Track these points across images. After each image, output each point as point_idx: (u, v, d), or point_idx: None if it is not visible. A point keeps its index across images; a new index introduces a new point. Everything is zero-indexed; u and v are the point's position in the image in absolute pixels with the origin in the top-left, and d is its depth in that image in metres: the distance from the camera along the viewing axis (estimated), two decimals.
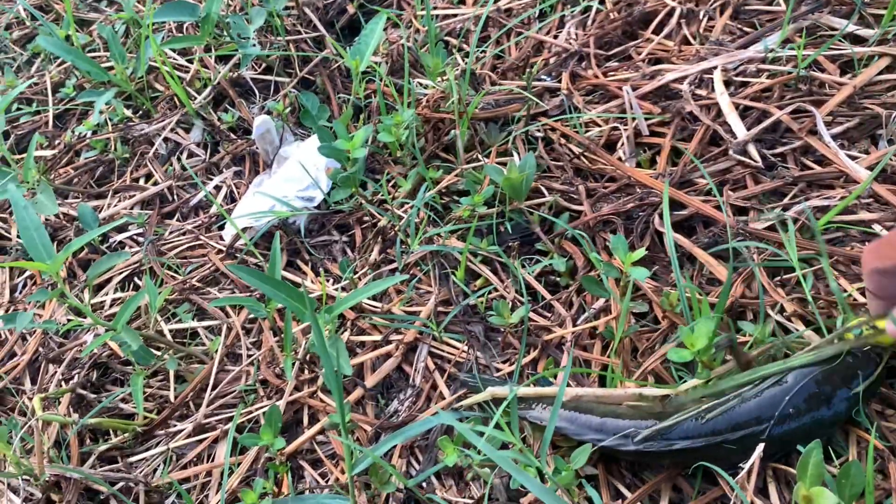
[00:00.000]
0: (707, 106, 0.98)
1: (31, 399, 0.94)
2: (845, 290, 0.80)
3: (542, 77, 1.12)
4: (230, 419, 0.89)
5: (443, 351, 0.90)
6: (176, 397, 0.92)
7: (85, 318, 0.99)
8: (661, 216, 0.90)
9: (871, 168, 0.87)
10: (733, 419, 0.71)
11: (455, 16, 1.25)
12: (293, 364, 0.90)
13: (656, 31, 1.12)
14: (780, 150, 0.92)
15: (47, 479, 0.82)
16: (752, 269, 0.83)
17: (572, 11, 1.19)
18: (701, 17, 1.10)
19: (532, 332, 0.89)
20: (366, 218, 1.05)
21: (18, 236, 1.16)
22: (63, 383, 0.95)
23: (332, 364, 0.75)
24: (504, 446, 0.75)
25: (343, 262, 1.00)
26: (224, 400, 0.92)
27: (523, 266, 0.94)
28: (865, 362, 0.72)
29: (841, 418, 0.72)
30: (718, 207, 0.88)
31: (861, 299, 0.79)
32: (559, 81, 1.09)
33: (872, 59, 0.96)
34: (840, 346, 0.72)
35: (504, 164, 0.99)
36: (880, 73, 0.95)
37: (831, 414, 0.71)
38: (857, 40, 1.01)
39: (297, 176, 1.08)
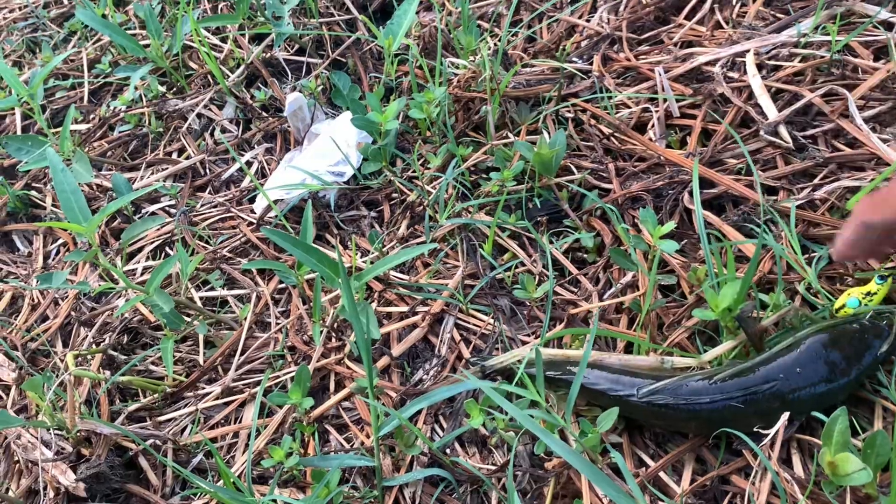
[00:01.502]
0: (738, 88, 0.98)
1: (62, 360, 0.96)
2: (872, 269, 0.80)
3: (574, 59, 1.12)
4: (258, 383, 0.90)
5: (469, 323, 0.91)
6: (205, 361, 0.94)
7: (117, 282, 1.01)
8: (690, 194, 0.90)
9: None
10: (741, 382, 0.71)
11: (486, 0, 1.26)
12: (321, 331, 0.91)
13: (689, 17, 1.12)
14: (810, 132, 0.92)
15: (79, 432, 0.84)
16: (777, 248, 0.83)
17: None
18: (734, 2, 1.10)
19: (558, 306, 0.89)
20: (394, 194, 1.06)
21: (53, 204, 1.18)
22: (95, 345, 0.97)
23: (363, 328, 0.76)
24: (531, 407, 0.75)
25: (372, 234, 1.01)
26: (252, 365, 0.93)
27: (551, 241, 0.94)
28: (876, 330, 0.73)
29: (852, 385, 0.72)
30: (749, 186, 0.88)
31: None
32: (591, 64, 1.10)
33: None
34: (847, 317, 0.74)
35: (534, 143, 1.00)
36: None
37: (841, 379, 0.71)
38: (890, 27, 1.01)
39: (328, 151, 1.09)
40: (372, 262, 0.98)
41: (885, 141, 0.88)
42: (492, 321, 0.90)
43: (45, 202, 1.20)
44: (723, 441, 0.74)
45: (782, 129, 0.92)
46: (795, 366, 0.71)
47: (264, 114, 1.23)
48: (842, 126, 0.91)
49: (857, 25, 1.01)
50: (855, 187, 0.86)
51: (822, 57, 0.97)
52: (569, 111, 1.06)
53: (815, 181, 0.89)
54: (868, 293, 0.75)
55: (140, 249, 1.09)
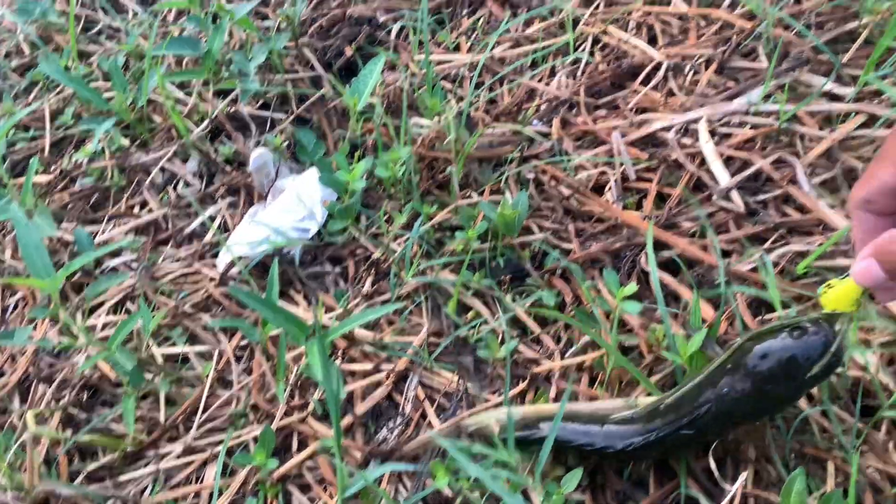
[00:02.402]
0: (692, 154, 1.02)
1: (20, 417, 0.94)
2: None
3: (534, 122, 1.16)
4: (220, 443, 0.90)
5: (433, 381, 0.92)
6: (166, 419, 0.93)
7: (77, 339, 1.00)
8: (647, 255, 0.93)
9: (847, 216, 0.91)
10: (683, 403, 0.73)
11: (450, 62, 1.29)
12: (285, 389, 0.91)
13: (644, 83, 1.17)
14: (761, 197, 0.97)
15: (37, 494, 0.82)
16: (734, 307, 0.86)
17: (563, 62, 1.24)
18: (686, 71, 1.15)
19: (521, 365, 0.91)
20: (359, 251, 1.07)
21: (12, 257, 1.17)
22: (54, 402, 0.96)
23: (332, 385, 0.77)
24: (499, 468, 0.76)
25: (337, 292, 1.02)
26: (214, 423, 0.93)
27: (514, 300, 0.96)
28: (817, 338, 0.68)
29: (788, 399, 0.73)
30: (703, 248, 0.92)
31: None
32: (550, 126, 1.14)
33: (850, 116, 1.02)
34: (790, 320, 0.70)
35: (497, 202, 1.02)
36: (857, 128, 1.00)
37: (776, 391, 0.70)
38: (835, 98, 1.06)
39: (292, 207, 1.10)
40: (337, 319, 0.99)
41: (831, 207, 0.93)
42: (455, 379, 0.91)
43: (3, 256, 1.18)
44: (682, 497, 0.76)
45: (734, 195, 0.96)
46: (727, 381, 0.71)
47: (228, 168, 1.24)
48: (790, 192, 0.95)
49: (804, 95, 1.06)
50: (804, 252, 0.90)
51: (772, 126, 1.02)
52: (530, 172, 1.09)
53: (767, 245, 0.93)
54: (828, 285, 0.69)
55: (100, 305, 1.08)
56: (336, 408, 0.76)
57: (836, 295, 0.68)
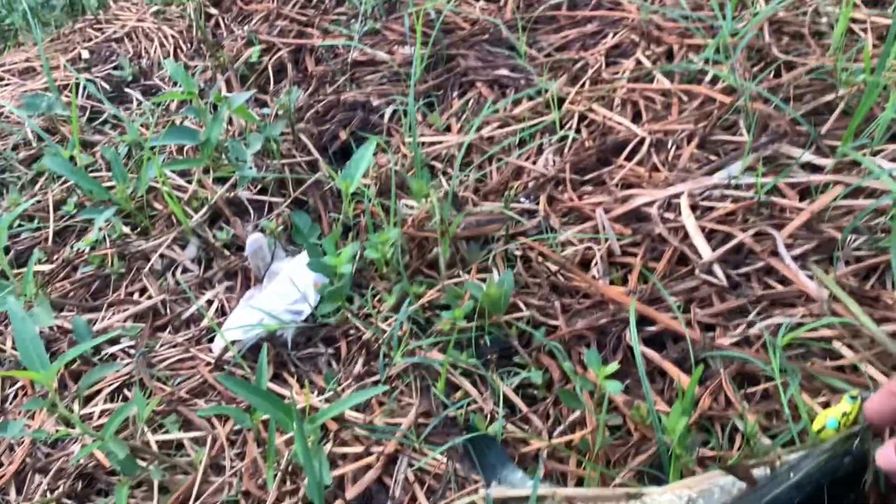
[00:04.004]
0: (675, 228, 1.04)
1: None
2: (807, 404, 0.84)
3: (521, 199, 1.18)
4: None
5: (424, 463, 0.92)
6: None
7: (73, 427, 1.01)
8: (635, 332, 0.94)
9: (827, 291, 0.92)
10: None
11: (440, 142, 1.33)
12: (275, 475, 0.91)
13: (628, 159, 1.19)
14: (743, 270, 0.98)
15: None
16: (718, 381, 0.86)
17: (550, 140, 1.27)
18: (669, 146, 1.17)
19: (509, 444, 0.91)
20: (351, 331, 1.09)
21: (13, 347, 1.19)
22: (48, 493, 0.96)
23: (315, 474, 0.78)
24: None
25: (328, 374, 1.03)
26: None
27: (502, 379, 0.97)
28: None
29: None
30: (687, 324, 0.93)
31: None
32: (537, 204, 1.16)
33: (828, 186, 1.03)
34: (834, 446, 0.74)
35: (484, 281, 1.04)
36: (835, 199, 1.01)
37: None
38: (814, 168, 1.08)
39: (286, 291, 1.12)
40: (328, 401, 1.00)
41: (811, 278, 0.94)
42: (445, 461, 0.91)
43: (4, 345, 1.20)
44: None
45: (716, 268, 0.97)
46: None
47: (226, 252, 1.27)
48: (772, 265, 0.96)
49: (784, 167, 1.08)
50: (787, 324, 0.91)
51: (752, 199, 1.03)
52: (518, 249, 1.11)
53: (750, 318, 0.93)
54: (844, 413, 0.75)
55: (98, 392, 1.10)
56: (319, 497, 0.77)
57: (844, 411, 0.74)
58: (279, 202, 1.33)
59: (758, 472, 0.73)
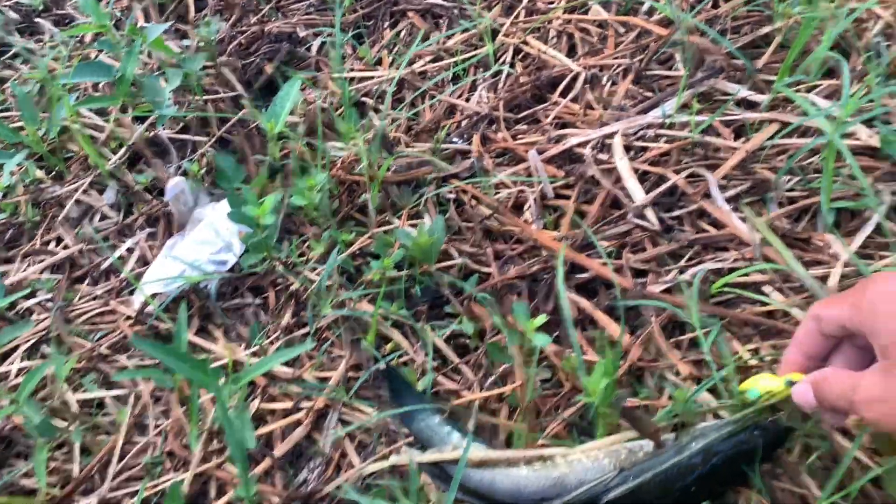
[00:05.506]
0: (608, 170, 1.01)
1: None
2: (736, 352, 0.83)
3: (454, 140, 1.14)
4: (136, 493, 0.88)
5: (353, 417, 0.90)
6: (80, 471, 0.91)
7: None
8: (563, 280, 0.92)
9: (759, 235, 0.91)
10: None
11: (371, 78, 1.27)
12: (200, 435, 0.89)
13: (563, 95, 1.15)
14: (677, 213, 0.96)
15: None
16: (649, 330, 0.86)
17: (484, 76, 1.22)
18: (604, 81, 1.14)
19: (441, 396, 0.90)
20: (279, 280, 1.05)
21: None
22: None
23: (237, 437, 0.75)
24: None
25: (254, 328, 1.00)
26: (130, 472, 0.90)
27: (434, 330, 0.95)
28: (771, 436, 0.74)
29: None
30: (618, 270, 0.91)
31: (752, 361, 0.82)
32: (470, 144, 1.12)
33: (763, 125, 1.01)
34: (745, 419, 0.74)
35: (416, 227, 1.01)
36: (770, 137, 0.99)
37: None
38: (750, 105, 1.06)
39: (209, 239, 1.08)
40: (256, 355, 0.97)
41: (744, 221, 0.92)
42: (376, 414, 0.89)
43: None
44: None
45: (649, 212, 0.95)
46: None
47: (148, 196, 1.21)
48: (705, 207, 0.95)
49: (719, 104, 1.06)
50: (719, 269, 0.90)
51: (686, 138, 1.01)
52: (450, 193, 1.07)
53: (681, 263, 0.92)
54: (770, 391, 0.74)
55: (15, 349, 1.05)
56: (243, 460, 0.75)
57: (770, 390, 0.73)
58: (203, 141, 1.27)
59: (667, 437, 0.73)
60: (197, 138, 1.28)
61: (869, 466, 0.75)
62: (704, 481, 0.72)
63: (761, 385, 0.73)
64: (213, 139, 1.26)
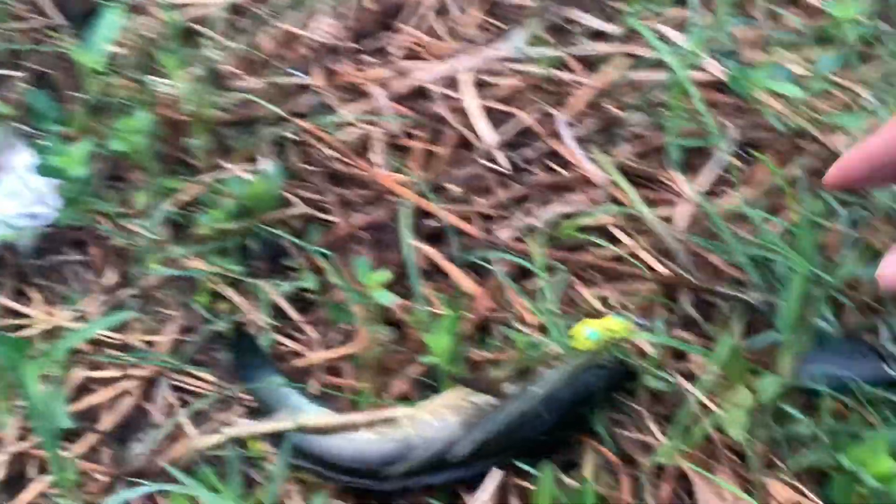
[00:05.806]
0: (458, 108, 0.96)
1: None
2: (583, 298, 0.82)
3: (296, 73, 1.06)
4: None
5: (187, 384, 0.84)
6: None
7: None
8: (413, 227, 0.88)
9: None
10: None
11: (202, 2, 1.16)
12: (9, 411, 0.81)
13: (412, 23, 1.08)
14: (528, 154, 0.92)
15: None
16: (498, 281, 0.82)
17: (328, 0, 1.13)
18: (455, 9, 1.07)
19: (283, 358, 0.84)
20: (103, 234, 0.96)
21: None
22: None
23: (45, 414, 0.69)
24: None
25: (75, 292, 0.91)
26: None
27: (276, 286, 0.88)
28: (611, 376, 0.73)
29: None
30: (464, 217, 0.87)
31: (601, 308, 0.81)
32: (312, 77, 1.04)
33: (614, 58, 0.98)
34: (585, 360, 0.73)
35: (252, 173, 0.93)
36: (622, 74, 0.96)
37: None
38: (602, 37, 1.02)
39: (21, 190, 0.97)
40: (78, 319, 0.89)
41: (593, 161, 0.90)
42: (212, 379, 0.84)
43: None
44: None
45: (498, 154, 0.91)
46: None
47: None
48: (555, 148, 0.91)
49: (571, 35, 1.01)
50: (569, 213, 0.87)
51: (537, 74, 0.97)
52: (292, 133, 0.99)
53: (530, 207, 0.89)
54: (609, 329, 0.73)
55: None
56: (53, 445, 0.68)
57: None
58: (15, 76, 1.13)
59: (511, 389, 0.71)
60: (9, 73, 1.14)
61: (711, 410, 0.75)
62: (551, 429, 0.71)
63: (598, 323, 0.72)
64: (28, 75, 1.13)
